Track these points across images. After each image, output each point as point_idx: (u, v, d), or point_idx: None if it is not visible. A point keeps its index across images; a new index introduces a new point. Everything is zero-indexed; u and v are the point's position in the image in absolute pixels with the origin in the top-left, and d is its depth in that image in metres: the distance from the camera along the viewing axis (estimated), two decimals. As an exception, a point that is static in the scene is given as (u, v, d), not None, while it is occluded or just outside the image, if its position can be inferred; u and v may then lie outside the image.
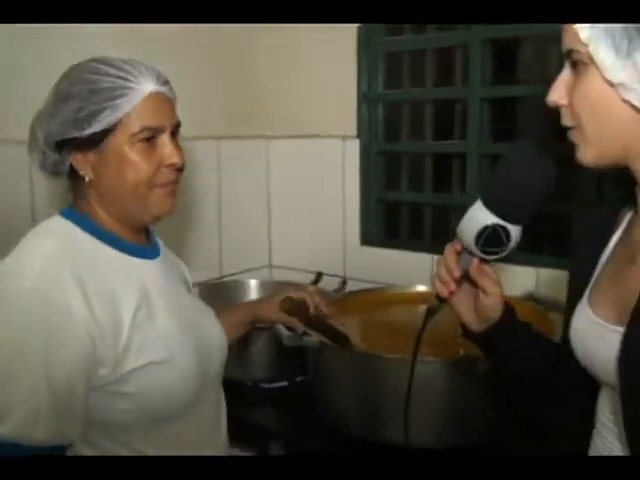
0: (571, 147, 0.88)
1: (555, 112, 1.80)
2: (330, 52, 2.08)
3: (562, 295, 1.55)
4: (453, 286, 1.03)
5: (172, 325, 1.11)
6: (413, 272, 1.95)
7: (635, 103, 0.79)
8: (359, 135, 2.08)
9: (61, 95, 1.06)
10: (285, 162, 2.24)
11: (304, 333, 1.48)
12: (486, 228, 0.93)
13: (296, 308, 1.39)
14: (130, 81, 1.04)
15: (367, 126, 2.08)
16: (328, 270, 2.07)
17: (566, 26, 0.82)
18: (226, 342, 1.27)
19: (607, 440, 0.92)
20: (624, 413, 0.84)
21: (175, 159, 1.08)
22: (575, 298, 0.97)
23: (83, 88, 1.04)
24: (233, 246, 2.17)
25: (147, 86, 1.05)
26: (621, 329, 0.83)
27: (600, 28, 0.78)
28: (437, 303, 1.07)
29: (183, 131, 1.15)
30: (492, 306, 1.03)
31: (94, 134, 1.04)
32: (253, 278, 2.14)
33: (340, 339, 1.46)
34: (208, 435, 1.20)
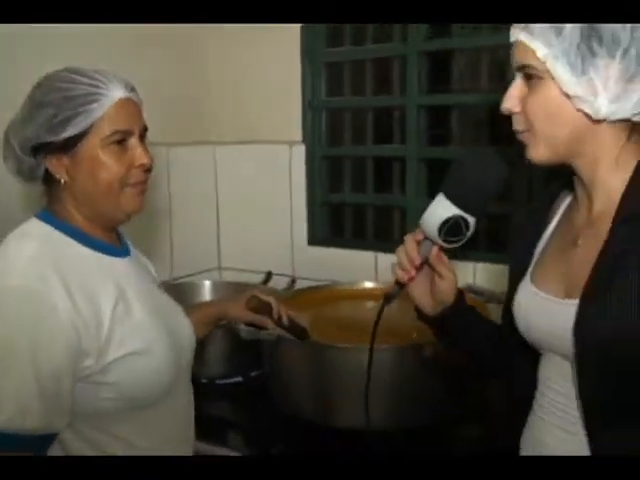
0: (520, 148, 0.99)
1: (487, 119, 1.97)
2: (276, 62, 2.18)
3: (497, 287, 1.68)
4: (413, 272, 1.11)
5: (147, 319, 1.17)
6: (358, 269, 2.08)
7: (588, 112, 0.91)
8: (304, 141, 2.19)
9: (36, 103, 1.11)
10: (233, 167, 2.32)
11: (262, 327, 1.55)
12: (449, 219, 1.04)
13: (262, 306, 1.46)
14: (101, 88, 1.11)
15: (312, 132, 2.19)
16: (277, 270, 2.16)
17: (519, 44, 0.94)
18: (194, 334, 1.34)
19: (554, 400, 1.02)
20: (579, 377, 0.94)
21: (145, 160, 1.15)
22: (517, 278, 1.08)
23: (57, 95, 1.10)
24: (183, 249, 2.24)
25: (117, 92, 1.12)
26: (570, 301, 0.95)
27: (557, 48, 0.89)
28: (396, 289, 1.14)
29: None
30: (447, 290, 1.12)
31: (69, 138, 1.10)
32: (202, 280, 2.21)
33: (301, 333, 1.54)
34: (182, 420, 1.27)
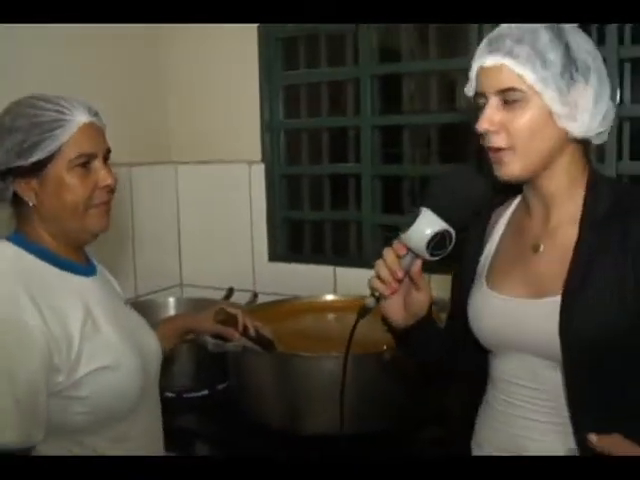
0: (489, 165, 1.07)
1: (437, 137, 2.06)
2: (235, 85, 2.26)
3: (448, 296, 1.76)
4: (396, 285, 1.10)
5: (115, 334, 1.22)
6: (317, 283, 2.15)
7: (569, 129, 1.03)
8: (264, 160, 2.27)
9: (5, 129, 1.16)
10: (194, 186, 2.38)
11: (229, 339, 1.60)
12: (437, 233, 1.06)
13: (230, 319, 1.52)
14: (65, 114, 1.16)
15: (270, 152, 2.27)
16: (239, 286, 2.21)
17: (501, 68, 1.02)
18: (160, 347, 1.38)
19: (509, 391, 1.11)
20: (566, 374, 1.02)
21: (109, 181, 1.20)
22: (466, 285, 1.16)
23: (25, 122, 1.15)
24: (146, 267, 2.28)
25: (81, 117, 1.18)
26: (547, 299, 1.03)
27: (545, 73, 1.00)
28: (373, 302, 1.13)
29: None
30: (423, 302, 1.14)
31: (36, 162, 1.15)
32: (167, 297, 2.25)
33: (267, 344, 1.59)
34: (151, 433, 1.32)
